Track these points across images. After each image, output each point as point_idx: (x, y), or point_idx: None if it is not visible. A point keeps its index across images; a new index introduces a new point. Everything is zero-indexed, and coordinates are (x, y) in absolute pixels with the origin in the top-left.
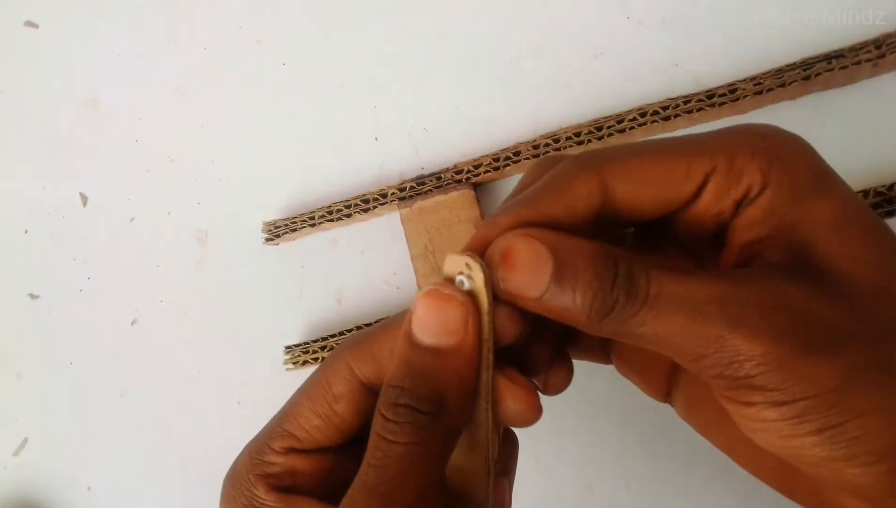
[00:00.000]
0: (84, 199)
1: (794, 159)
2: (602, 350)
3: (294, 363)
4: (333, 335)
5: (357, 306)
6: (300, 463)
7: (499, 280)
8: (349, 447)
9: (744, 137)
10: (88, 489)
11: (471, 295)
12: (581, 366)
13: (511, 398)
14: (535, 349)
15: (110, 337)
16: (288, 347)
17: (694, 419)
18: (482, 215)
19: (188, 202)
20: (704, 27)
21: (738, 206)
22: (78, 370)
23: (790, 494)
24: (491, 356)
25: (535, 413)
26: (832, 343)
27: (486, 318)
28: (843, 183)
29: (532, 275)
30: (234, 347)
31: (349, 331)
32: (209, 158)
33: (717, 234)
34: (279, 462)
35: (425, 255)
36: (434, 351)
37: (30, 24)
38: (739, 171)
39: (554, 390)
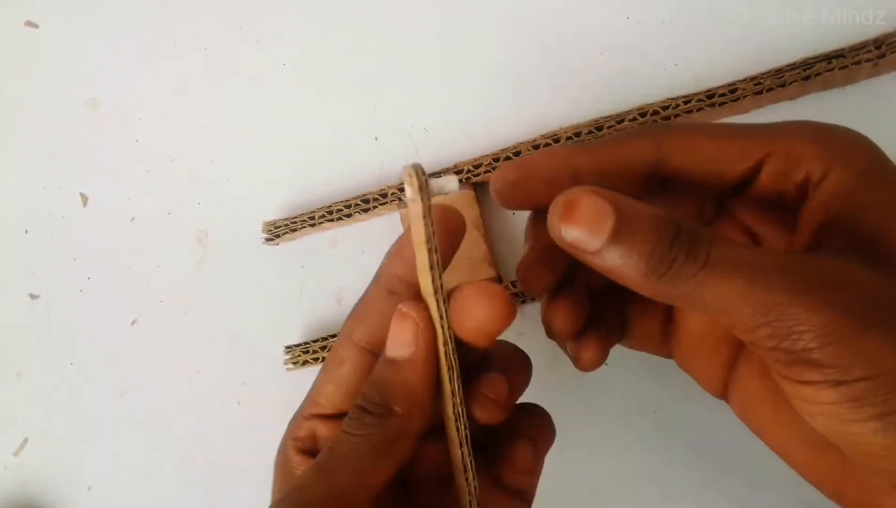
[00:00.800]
0: (84, 199)
1: (855, 150)
2: (663, 340)
3: (294, 363)
4: (333, 335)
5: None
6: (320, 428)
7: (559, 230)
8: None
9: (803, 127)
10: (88, 489)
11: (428, 315)
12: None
13: (473, 303)
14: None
15: (110, 337)
16: (288, 347)
17: (749, 416)
18: (482, 215)
19: (188, 202)
20: (704, 27)
21: (802, 190)
22: (78, 370)
23: (839, 498)
24: (453, 356)
25: (500, 320)
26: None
27: (437, 318)
28: None
29: (592, 228)
30: (234, 347)
31: None
32: (209, 158)
33: (781, 219)
34: (305, 426)
35: None
36: (389, 363)
37: (30, 24)
38: (798, 157)
39: (586, 363)
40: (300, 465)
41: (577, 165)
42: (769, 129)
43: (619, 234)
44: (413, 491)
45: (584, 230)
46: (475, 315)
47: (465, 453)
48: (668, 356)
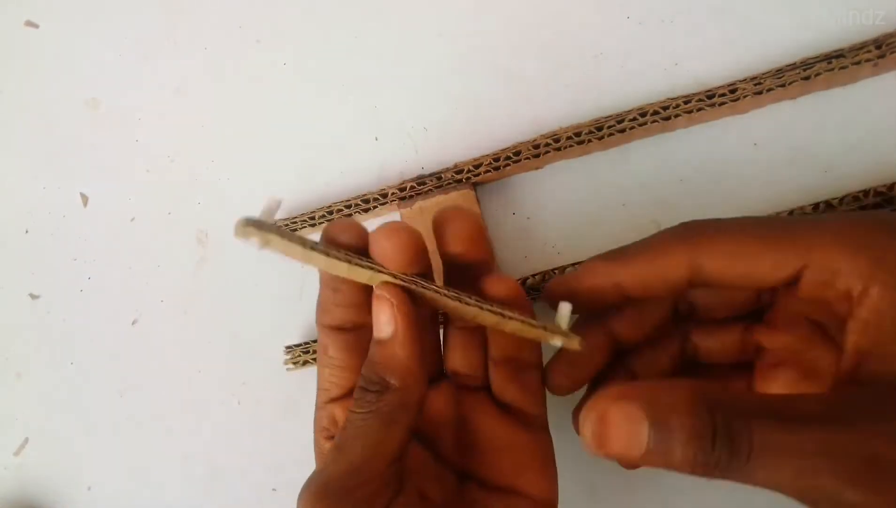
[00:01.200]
0: (84, 199)
1: None
2: None
3: (294, 363)
4: None
5: None
6: (337, 411)
7: (596, 447)
8: None
9: (845, 228)
10: (89, 489)
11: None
12: None
13: (447, 225)
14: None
15: (110, 337)
16: (288, 347)
17: None
18: (482, 215)
19: (188, 202)
20: (704, 27)
21: (846, 299)
22: (78, 370)
23: None
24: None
25: (472, 229)
26: None
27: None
28: None
29: (629, 439)
30: (234, 347)
31: None
32: (209, 158)
33: (839, 316)
34: (324, 415)
35: None
36: (378, 343)
37: (30, 24)
38: (836, 269)
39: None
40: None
41: (620, 282)
42: (807, 232)
43: (658, 440)
44: (435, 447)
45: (621, 443)
46: (452, 232)
47: (468, 300)
48: None
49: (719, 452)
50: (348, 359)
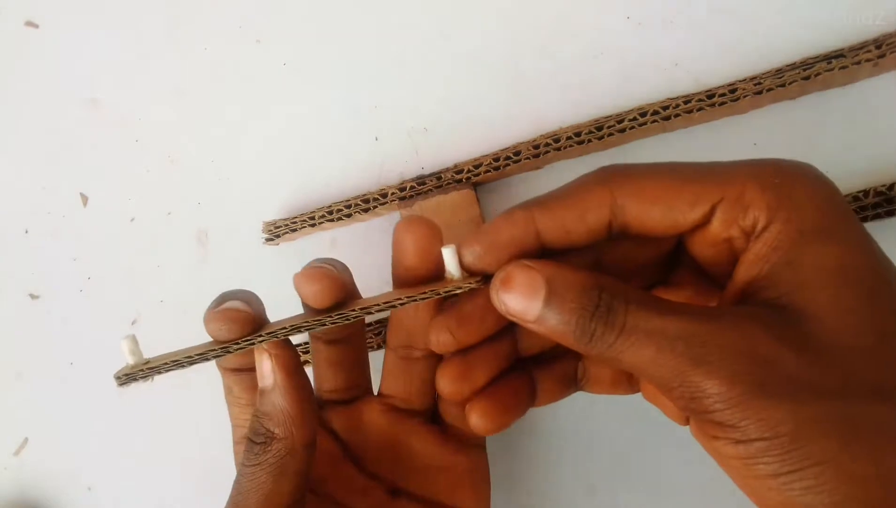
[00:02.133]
0: (84, 199)
1: (807, 197)
2: (627, 379)
3: None
4: None
5: None
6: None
7: (500, 302)
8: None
9: (759, 170)
10: (89, 489)
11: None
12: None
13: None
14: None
15: (110, 337)
16: None
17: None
18: (482, 215)
19: (188, 202)
20: (704, 27)
21: (748, 238)
22: (78, 370)
23: None
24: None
25: (428, 241)
26: (790, 391)
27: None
28: (860, 229)
29: (527, 300)
30: None
31: None
32: (209, 158)
33: (735, 263)
34: (240, 448)
35: None
36: (261, 394)
37: (30, 24)
38: (747, 203)
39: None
40: None
41: (540, 228)
42: (726, 170)
43: (551, 304)
44: (362, 461)
45: (520, 303)
46: (407, 247)
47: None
48: (636, 391)
49: (595, 323)
50: (253, 397)
